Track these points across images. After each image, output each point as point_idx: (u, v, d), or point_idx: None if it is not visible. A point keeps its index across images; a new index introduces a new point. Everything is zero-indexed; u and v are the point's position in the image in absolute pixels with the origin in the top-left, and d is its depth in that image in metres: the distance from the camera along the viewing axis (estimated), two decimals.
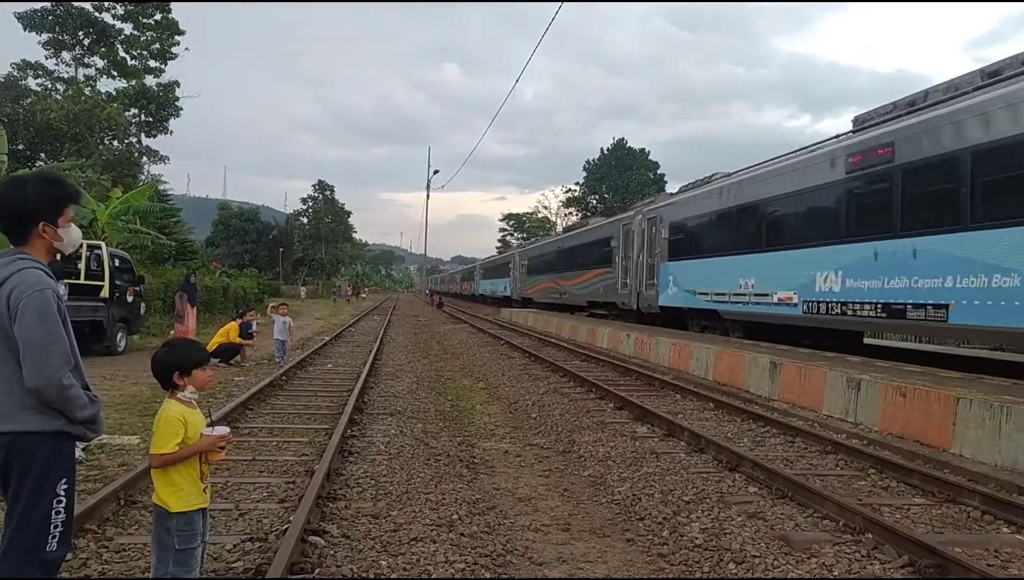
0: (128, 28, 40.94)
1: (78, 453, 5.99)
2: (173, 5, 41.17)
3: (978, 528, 5.16)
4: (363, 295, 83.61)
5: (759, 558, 4.42)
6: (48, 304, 2.61)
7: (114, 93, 40.53)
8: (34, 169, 24.28)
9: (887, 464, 6.58)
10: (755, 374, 11.27)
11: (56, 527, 2.65)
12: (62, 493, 2.67)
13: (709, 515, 5.22)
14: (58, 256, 2.95)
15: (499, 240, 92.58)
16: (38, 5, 37.43)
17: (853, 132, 12.62)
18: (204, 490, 3.24)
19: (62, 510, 2.67)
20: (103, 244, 15.88)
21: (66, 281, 12.57)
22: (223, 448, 3.28)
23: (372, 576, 4.01)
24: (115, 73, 41.49)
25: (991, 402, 6.93)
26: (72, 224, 2.88)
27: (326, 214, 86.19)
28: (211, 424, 3.28)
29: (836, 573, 4.22)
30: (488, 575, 4.12)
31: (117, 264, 15.65)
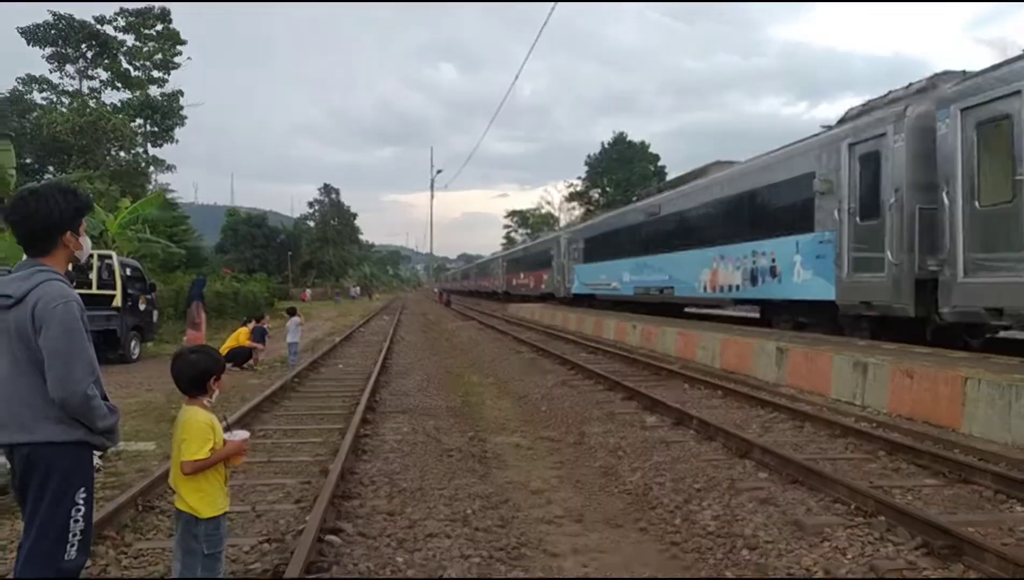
0: (130, 40, 41.13)
1: (95, 461, 6.09)
2: (174, 15, 41.35)
3: (991, 507, 5.15)
4: (376, 296, 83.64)
5: (772, 543, 4.44)
6: (74, 316, 2.64)
7: (119, 104, 40.73)
8: (43, 181, 24.46)
9: (897, 446, 6.58)
10: (762, 360, 11.26)
11: (75, 535, 2.68)
12: (80, 502, 2.70)
13: (720, 502, 5.25)
14: (71, 266, 3.00)
15: (504, 237, 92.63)
16: (39, 17, 37.69)
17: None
18: (227, 494, 3.29)
19: (81, 519, 2.70)
20: (114, 253, 16.03)
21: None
22: (244, 452, 3.33)
23: (389, 573, 4.06)
24: (119, 84, 41.66)
25: (1000, 381, 6.91)
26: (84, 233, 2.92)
27: (332, 217, 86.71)
28: (228, 428, 3.32)
29: (850, 556, 4.24)
30: (504, 568, 4.16)
31: (128, 273, 15.79)
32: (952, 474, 5.76)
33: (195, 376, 3.22)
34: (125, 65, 41.55)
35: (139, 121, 40.97)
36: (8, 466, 2.76)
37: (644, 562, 4.37)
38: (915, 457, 6.27)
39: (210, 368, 3.24)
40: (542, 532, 4.86)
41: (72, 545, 2.67)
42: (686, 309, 22.04)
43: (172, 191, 43.26)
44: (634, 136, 71.49)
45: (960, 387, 7.29)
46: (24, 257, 2.82)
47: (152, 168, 42.16)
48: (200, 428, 3.12)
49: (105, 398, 2.79)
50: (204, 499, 3.14)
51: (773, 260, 14.04)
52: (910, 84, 11.72)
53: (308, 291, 65.77)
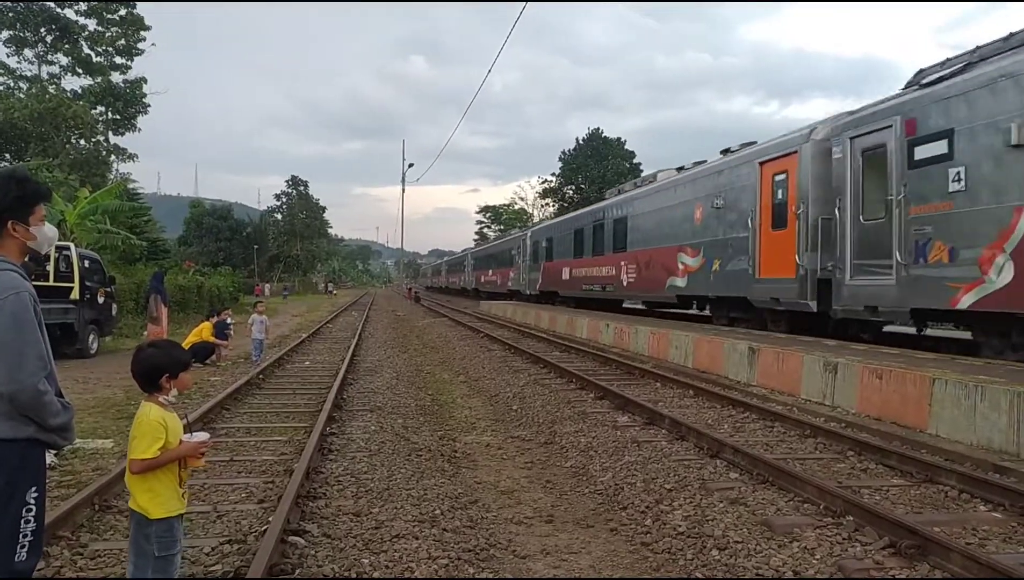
0: (92, 24, 40.10)
1: (51, 459, 5.86)
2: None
3: (956, 507, 5.22)
4: (334, 292, 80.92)
5: (741, 543, 4.43)
6: (25, 307, 2.55)
7: (80, 91, 39.72)
8: None
9: (865, 446, 6.65)
10: (734, 360, 11.34)
11: (25, 536, 2.59)
12: (31, 501, 2.62)
13: (691, 502, 5.24)
14: (27, 257, 2.86)
15: (476, 232, 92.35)
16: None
17: None
18: (183, 495, 3.16)
19: (31, 519, 2.61)
20: (72, 245, 15.57)
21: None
22: (203, 454, 3.20)
23: (354, 575, 3.96)
24: (80, 70, 40.61)
25: (966, 382, 7.02)
26: (46, 222, 2.81)
27: (300, 210, 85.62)
28: (189, 429, 3.19)
29: (818, 556, 4.25)
30: (472, 570, 4.09)
31: (87, 265, 15.36)
32: (919, 474, 5.83)
33: (145, 372, 3.11)
34: (86, 50, 40.52)
35: (100, 108, 40.00)
36: None
37: (614, 563, 4.33)
38: (883, 457, 6.34)
39: (161, 364, 3.11)
40: (511, 533, 4.81)
41: (23, 546, 2.58)
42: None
43: (134, 181, 42.36)
44: (609, 132, 71.55)
45: (928, 388, 7.40)
46: None
47: (113, 157, 41.15)
48: (150, 426, 3.01)
49: (60, 394, 2.70)
50: (155, 499, 3.04)
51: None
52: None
53: (267, 286, 64.45)
